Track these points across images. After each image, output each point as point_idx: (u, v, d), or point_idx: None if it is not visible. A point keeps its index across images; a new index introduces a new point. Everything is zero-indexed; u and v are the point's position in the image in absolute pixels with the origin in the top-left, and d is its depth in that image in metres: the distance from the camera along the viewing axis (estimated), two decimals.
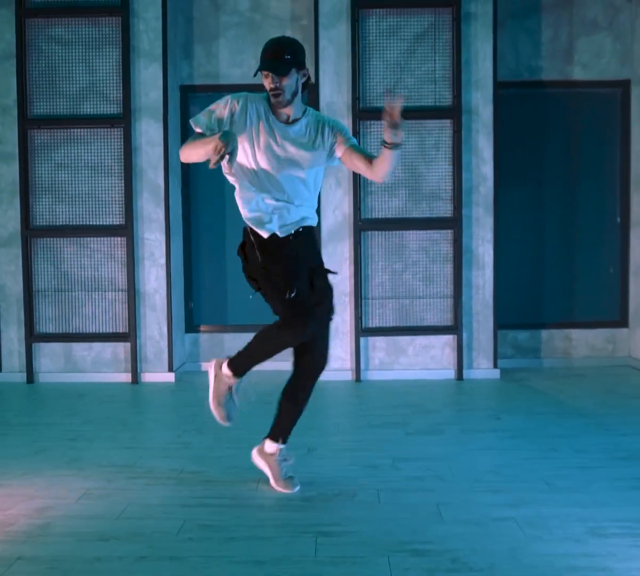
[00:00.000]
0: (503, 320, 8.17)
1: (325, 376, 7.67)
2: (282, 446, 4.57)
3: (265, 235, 4.30)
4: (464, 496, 4.46)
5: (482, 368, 7.91)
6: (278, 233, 4.31)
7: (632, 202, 8.45)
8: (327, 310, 4.49)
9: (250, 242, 4.38)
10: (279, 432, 4.56)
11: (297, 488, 4.53)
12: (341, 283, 7.78)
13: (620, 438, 5.65)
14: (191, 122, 4.30)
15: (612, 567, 3.47)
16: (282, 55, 4.24)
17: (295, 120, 4.36)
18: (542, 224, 8.52)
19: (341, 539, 3.86)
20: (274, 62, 4.23)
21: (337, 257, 7.82)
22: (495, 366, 7.94)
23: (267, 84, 4.32)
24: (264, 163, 4.27)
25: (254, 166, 4.29)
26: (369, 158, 4.31)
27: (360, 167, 4.35)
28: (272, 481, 4.56)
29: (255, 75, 4.32)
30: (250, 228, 4.38)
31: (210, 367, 4.59)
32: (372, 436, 5.85)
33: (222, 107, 4.28)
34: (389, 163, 4.20)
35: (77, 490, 4.64)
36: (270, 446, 4.58)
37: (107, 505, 4.39)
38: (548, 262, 8.53)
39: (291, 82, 4.26)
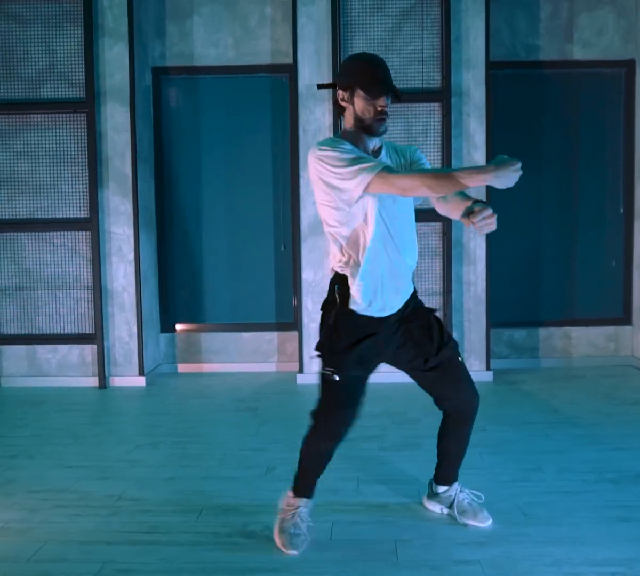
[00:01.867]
0: (498, 318, 7.69)
1: (302, 378, 7.29)
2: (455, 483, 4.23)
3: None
4: (427, 530, 3.98)
5: (474, 371, 7.27)
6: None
7: (637, 191, 7.92)
8: (455, 352, 4.04)
9: None
10: (450, 475, 4.26)
11: (489, 521, 4.10)
12: (323, 280, 7.28)
13: (613, 454, 5.17)
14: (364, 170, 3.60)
15: None
16: (390, 75, 3.76)
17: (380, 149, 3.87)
18: (540, 215, 7.98)
19: None
20: (389, 82, 3.76)
21: (318, 251, 7.32)
22: (488, 368, 7.44)
23: (375, 106, 3.75)
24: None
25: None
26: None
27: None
28: (460, 518, 4.07)
29: (348, 90, 3.76)
30: None
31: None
32: (342, 452, 5.16)
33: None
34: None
35: None
36: (441, 488, 4.22)
37: (22, 543, 3.92)
38: (546, 255, 7.99)
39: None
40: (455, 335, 7.36)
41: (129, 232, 7.35)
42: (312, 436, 3.96)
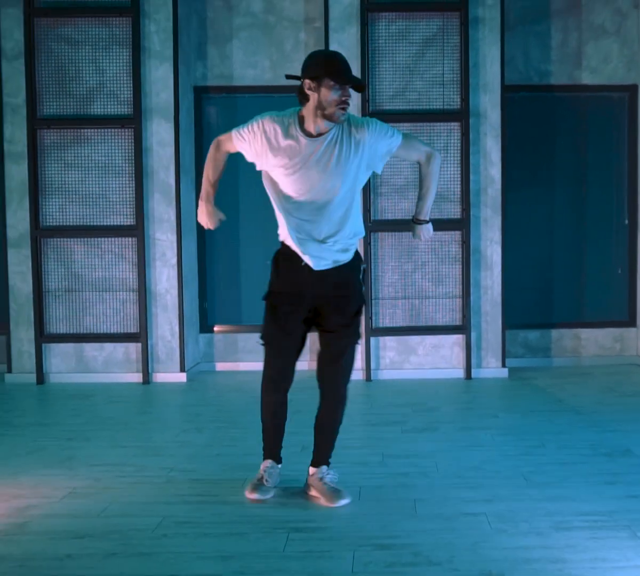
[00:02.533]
0: (514, 320, 8.28)
1: None
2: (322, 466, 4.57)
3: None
4: (441, 492, 4.55)
5: (491, 368, 7.98)
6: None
7: None
8: (344, 341, 4.47)
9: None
10: (320, 457, 4.58)
11: (342, 501, 4.34)
12: None
13: (608, 434, 5.79)
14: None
15: (567, 558, 3.59)
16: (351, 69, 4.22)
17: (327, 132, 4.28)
18: (551, 225, 8.62)
19: (312, 535, 3.94)
20: (353, 76, 4.20)
21: None
22: (503, 365, 8.02)
23: (338, 96, 4.16)
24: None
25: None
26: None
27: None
28: (322, 501, 4.40)
29: (316, 80, 4.14)
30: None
31: None
32: (368, 434, 5.96)
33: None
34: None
35: (62, 488, 4.67)
36: (312, 470, 4.56)
37: (89, 503, 4.42)
38: (557, 262, 8.64)
39: None
40: (473, 335, 7.95)
41: (173, 238, 7.90)
42: (261, 391, 4.64)
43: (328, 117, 4.23)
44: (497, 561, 3.55)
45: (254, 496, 4.42)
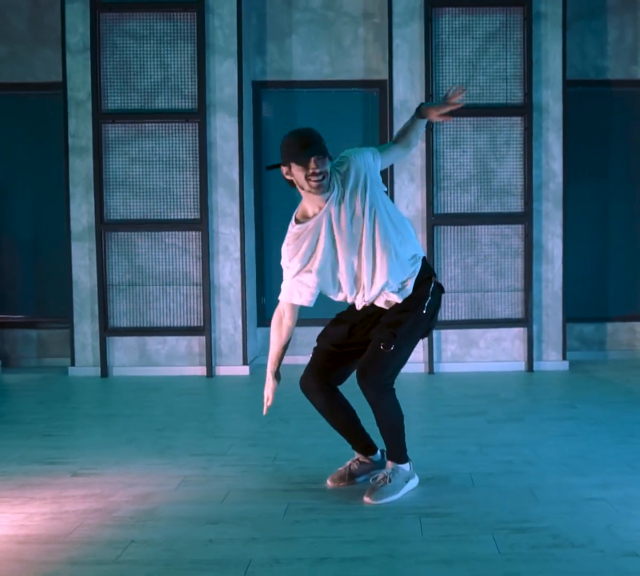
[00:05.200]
0: (569, 313, 8.28)
1: None
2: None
3: None
4: (554, 478, 4.60)
5: (551, 360, 8.03)
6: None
7: None
8: (378, 336, 4.37)
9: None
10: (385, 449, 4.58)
11: (375, 501, 4.30)
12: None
13: None
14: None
15: None
16: (316, 140, 4.17)
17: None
18: (608, 218, 8.68)
19: (444, 519, 3.99)
20: (314, 147, 4.15)
21: None
22: (564, 358, 8.07)
23: (308, 171, 4.16)
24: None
25: None
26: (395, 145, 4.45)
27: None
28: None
29: (286, 165, 4.24)
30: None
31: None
32: (455, 424, 5.98)
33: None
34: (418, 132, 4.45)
35: (174, 477, 4.71)
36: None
37: (207, 491, 4.48)
38: (613, 256, 8.69)
39: (327, 167, 4.19)
40: (534, 328, 8.00)
41: (236, 232, 7.95)
42: (393, 391, 4.65)
43: (311, 192, 4.28)
44: (637, 542, 3.62)
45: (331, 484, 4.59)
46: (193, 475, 4.72)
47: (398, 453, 4.46)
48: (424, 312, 4.37)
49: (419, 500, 4.25)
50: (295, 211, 4.39)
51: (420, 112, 4.32)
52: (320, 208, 4.27)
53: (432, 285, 4.41)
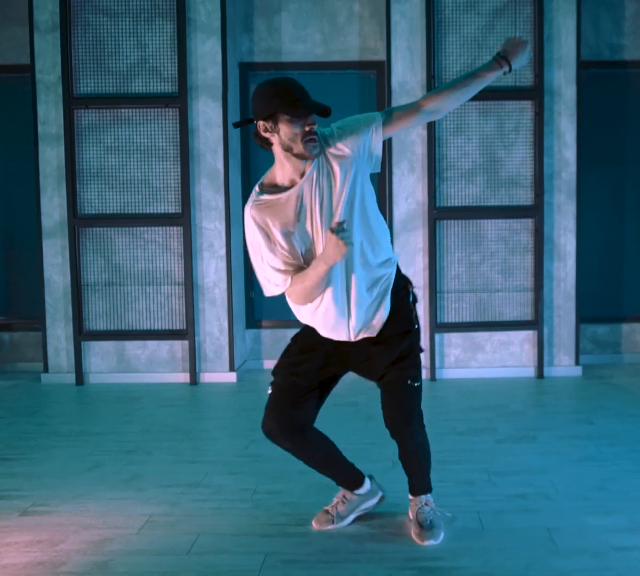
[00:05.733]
0: (582, 313, 7.72)
1: None
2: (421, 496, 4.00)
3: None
4: (574, 518, 4.03)
5: (564, 365, 7.47)
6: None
7: None
8: (403, 376, 3.80)
9: None
10: (414, 487, 4.01)
11: (431, 541, 3.77)
12: (415, 276, 7.32)
13: None
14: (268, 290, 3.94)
15: None
16: (307, 93, 3.54)
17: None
18: (624, 212, 8.07)
19: (448, 575, 3.41)
20: (312, 100, 3.51)
21: (410, 248, 7.37)
22: (577, 363, 7.51)
23: (300, 127, 3.51)
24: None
25: None
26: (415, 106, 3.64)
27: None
28: (411, 532, 3.88)
29: (270, 119, 3.53)
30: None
31: None
32: (460, 446, 5.38)
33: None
34: (476, 88, 3.61)
35: (138, 517, 4.13)
36: (411, 497, 4.02)
37: (174, 536, 3.89)
38: (628, 252, 8.11)
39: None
40: (545, 331, 7.45)
41: (221, 227, 7.38)
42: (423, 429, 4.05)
43: (300, 156, 3.60)
44: None
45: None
46: (159, 514, 4.15)
47: (428, 484, 3.99)
48: (417, 326, 3.86)
49: (420, 549, 3.69)
50: (259, 182, 3.65)
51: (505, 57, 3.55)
52: (295, 181, 3.58)
53: (411, 296, 3.89)
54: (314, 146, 3.59)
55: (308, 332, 3.96)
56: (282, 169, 3.60)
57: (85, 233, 7.38)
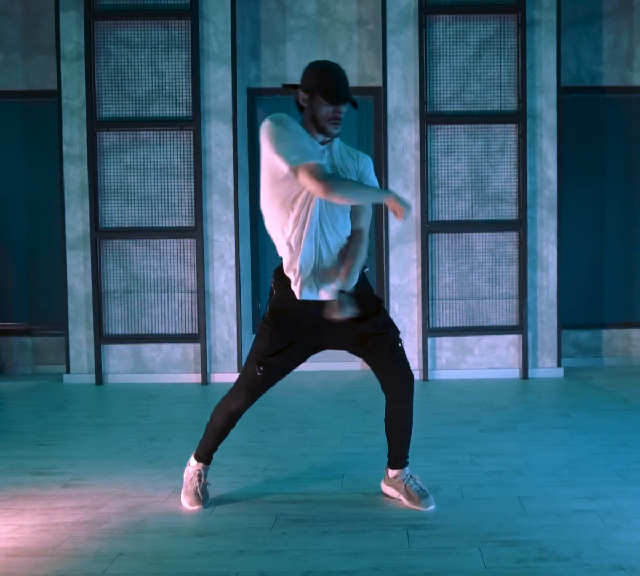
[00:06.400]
0: (565, 320, 8.31)
1: None
2: (405, 468, 4.51)
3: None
4: (543, 490, 4.60)
5: (547, 367, 8.03)
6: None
7: None
8: (393, 338, 4.29)
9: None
10: (399, 459, 4.48)
11: (431, 506, 4.31)
12: (409, 284, 7.92)
13: None
14: (293, 160, 3.98)
15: None
16: (348, 84, 4.13)
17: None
18: (604, 226, 8.65)
19: (432, 532, 3.98)
20: (350, 92, 4.10)
21: (404, 258, 7.93)
22: (559, 365, 8.05)
23: (330, 112, 4.08)
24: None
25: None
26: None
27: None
28: (406, 502, 4.38)
29: (309, 93, 4.09)
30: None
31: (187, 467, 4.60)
32: (447, 434, 5.94)
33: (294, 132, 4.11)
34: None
35: (164, 488, 4.70)
36: (392, 472, 4.50)
37: None
38: (609, 263, 8.67)
39: None
40: (529, 335, 8.01)
41: (230, 239, 7.94)
42: (228, 397, 4.57)
43: (321, 130, 4.17)
44: (624, 556, 3.63)
45: (197, 507, 4.44)
46: (182, 486, 4.63)
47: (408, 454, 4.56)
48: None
49: (407, 512, 4.26)
50: (289, 120, 4.13)
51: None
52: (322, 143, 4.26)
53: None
54: (336, 127, 4.16)
55: (283, 317, 4.26)
56: (310, 131, 4.18)
57: (105, 245, 7.94)
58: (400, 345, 4.29)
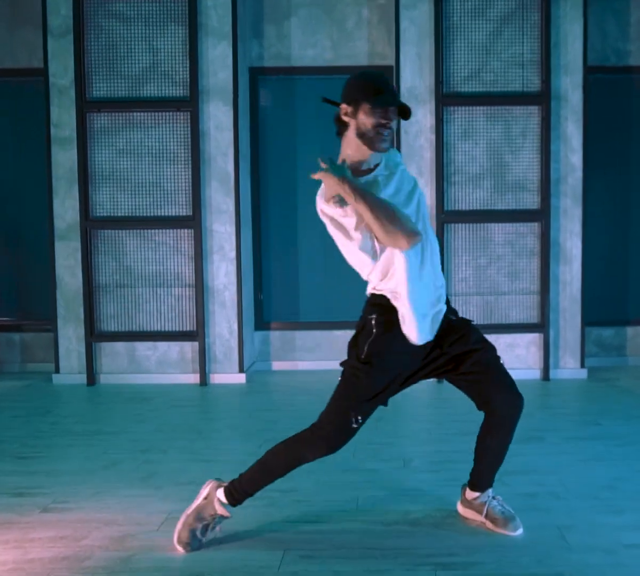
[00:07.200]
0: (587, 317, 7.79)
1: None
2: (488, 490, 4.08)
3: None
4: (584, 517, 4.09)
5: (569, 368, 7.54)
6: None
7: None
8: (492, 353, 3.95)
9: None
10: (485, 481, 4.08)
11: (519, 530, 3.89)
12: None
13: None
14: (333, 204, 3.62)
15: None
16: (393, 90, 3.74)
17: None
18: (630, 216, 8.14)
19: (465, 572, 3.46)
20: (398, 97, 3.71)
21: None
22: (582, 365, 7.57)
23: (379, 119, 3.68)
24: None
25: None
26: None
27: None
28: (490, 526, 3.95)
29: (352, 104, 3.66)
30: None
31: (205, 486, 3.96)
32: (469, 446, 5.31)
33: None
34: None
35: (157, 513, 4.19)
36: (472, 494, 4.09)
37: None
38: (634, 256, 8.17)
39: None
40: (551, 333, 7.52)
41: (231, 230, 7.45)
42: (309, 435, 3.92)
43: (369, 144, 3.75)
44: None
45: (182, 550, 3.82)
46: (178, 511, 4.15)
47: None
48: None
49: (435, 545, 3.74)
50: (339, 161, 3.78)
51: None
52: (369, 171, 3.80)
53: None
54: (384, 140, 3.77)
55: (384, 358, 3.81)
56: (358, 161, 3.80)
57: (97, 236, 7.46)
58: (502, 362, 3.92)
